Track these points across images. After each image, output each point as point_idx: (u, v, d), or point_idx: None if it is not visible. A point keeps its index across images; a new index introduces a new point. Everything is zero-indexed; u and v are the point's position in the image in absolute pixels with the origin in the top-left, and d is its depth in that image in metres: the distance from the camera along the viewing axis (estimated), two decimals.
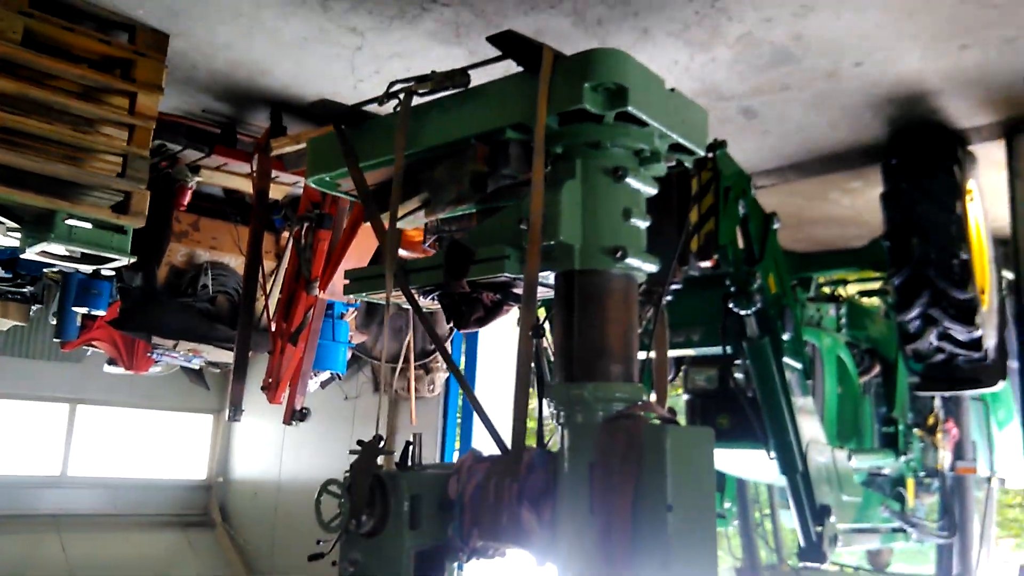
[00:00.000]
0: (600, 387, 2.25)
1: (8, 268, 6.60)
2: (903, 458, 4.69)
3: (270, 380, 8.22)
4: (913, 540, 4.71)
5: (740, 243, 3.39)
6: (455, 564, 2.50)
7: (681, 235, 2.60)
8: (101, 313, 6.87)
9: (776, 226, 3.55)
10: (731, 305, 3.30)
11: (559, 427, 2.30)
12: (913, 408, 4.88)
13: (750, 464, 3.77)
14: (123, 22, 3.97)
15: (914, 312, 3.92)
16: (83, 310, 6.84)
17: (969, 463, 4.84)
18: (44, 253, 4.17)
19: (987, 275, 4.34)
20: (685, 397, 4.10)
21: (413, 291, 2.56)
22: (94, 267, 4.57)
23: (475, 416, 4.96)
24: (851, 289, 5.05)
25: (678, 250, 2.53)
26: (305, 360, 7.00)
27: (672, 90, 2.40)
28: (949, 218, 3.93)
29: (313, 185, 2.82)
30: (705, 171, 3.05)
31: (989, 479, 5.19)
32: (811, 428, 3.61)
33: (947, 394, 4.61)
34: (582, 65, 2.23)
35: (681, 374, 4.18)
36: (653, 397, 2.58)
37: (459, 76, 2.44)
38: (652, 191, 2.44)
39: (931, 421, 4.82)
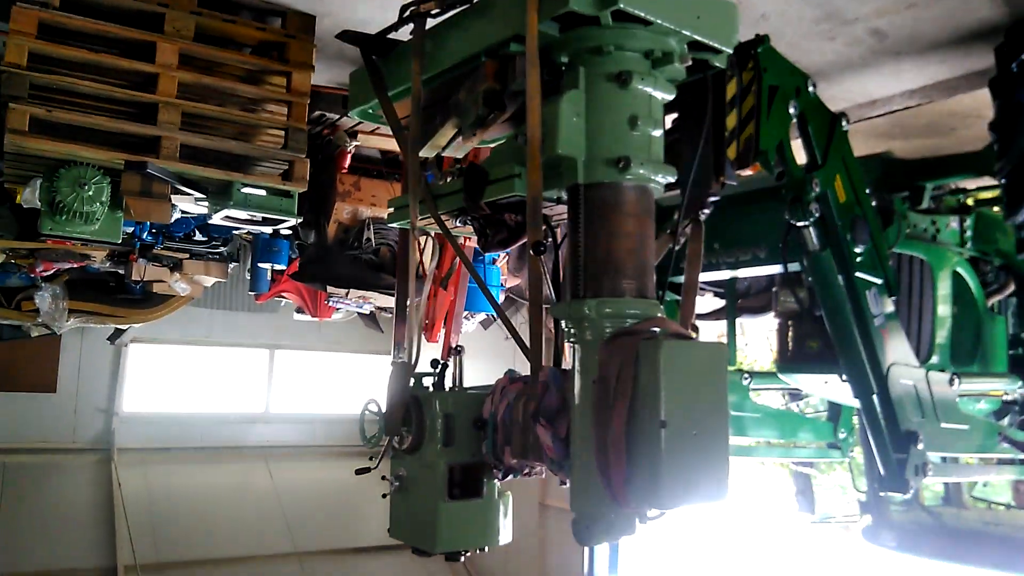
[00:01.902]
0: (606, 302, 2.10)
1: (203, 232, 7.17)
2: None
3: (426, 321, 8.60)
4: None
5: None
6: (494, 480, 2.49)
7: (716, 142, 2.36)
8: (282, 268, 7.41)
9: (845, 127, 3.16)
10: (787, 216, 2.98)
11: (571, 345, 2.20)
12: None
13: (845, 389, 3.43)
14: (275, 9, 4.27)
15: (1023, 214, 3.36)
16: (267, 266, 7.40)
17: None
18: (227, 218, 4.65)
19: None
20: (775, 320, 3.78)
21: (446, 217, 2.53)
22: (272, 227, 5.09)
23: None
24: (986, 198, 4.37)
25: (700, 159, 2.30)
26: (457, 303, 7.24)
27: None
28: None
29: (357, 116, 2.80)
30: (746, 71, 2.75)
31: None
32: (895, 349, 3.23)
33: None
34: None
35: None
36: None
37: None
38: (667, 95, 2.23)
39: None
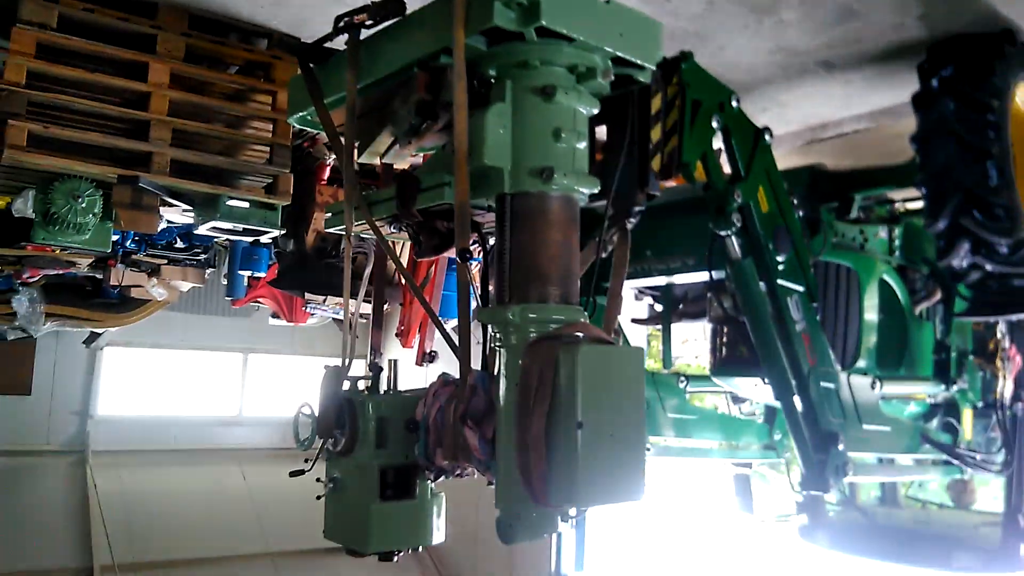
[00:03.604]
0: (530, 308, 2.09)
1: (184, 239, 7.13)
2: (954, 387, 4.14)
3: (402, 328, 8.56)
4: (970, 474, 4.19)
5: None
6: (426, 482, 2.46)
7: (640, 154, 2.35)
8: (262, 274, 7.38)
9: (768, 140, 3.17)
10: (711, 226, 2.99)
11: (497, 349, 2.18)
12: (976, 336, 4.29)
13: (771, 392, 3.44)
14: (262, 32, 4.31)
15: (942, 222, 3.39)
16: (247, 273, 7.37)
17: None
18: (213, 228, 4.69)
19: None
20: (708, 325, 3.78)
21: (380, 223, 2.50)
22: (253, 237, 5.25)
23: None
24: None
25: (624, 171, 2.29)
26: (433, 309, 7.21)
27: (608, 1, 2.17)
28: (982, 119, 3.35)
29: (295, 124, 2.77)
30: (671, 86, 2.75)
31: None
32: (816, 353, 3.23)
33: (992, 319, 4.01)
34: None
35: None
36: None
37: (394, 4, 2.30)
38: (591, 109, 2.22)
39: (991, 347, 4.22)
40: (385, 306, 6.90)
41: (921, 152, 3.53)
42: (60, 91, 3.82)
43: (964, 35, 3.56)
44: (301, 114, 2.69)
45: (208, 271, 7.67)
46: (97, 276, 7.26)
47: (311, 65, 2.57)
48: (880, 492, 4.78)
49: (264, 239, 5.76)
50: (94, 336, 8.59)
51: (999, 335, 4.25)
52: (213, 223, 4.54)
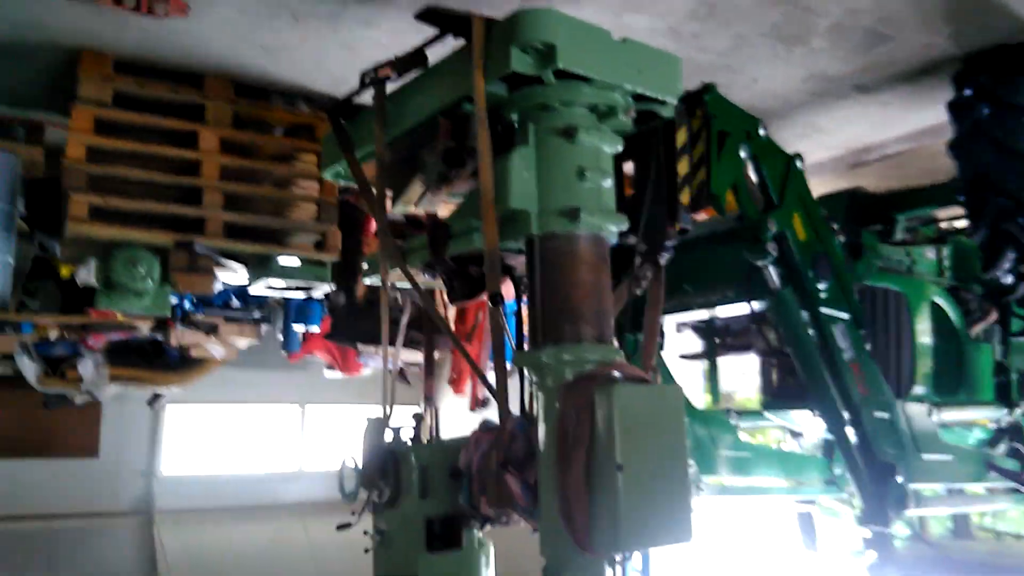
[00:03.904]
0: (564, 349, 2.06)
1: (240, 299, 7.29)
2: (1018, 411, 3.93)
3: (454, 375, 8.55)
4: None
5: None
6: (472, 530, 2.42)
7: (669, 188, 2.32)
8: (316, 328, 7.48)
9: (800, 166, 3.09)
10: (747, 256, 2.91)
11: (535, 393, 2.14)
12: None
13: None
14: (304, 94, 4.41)
15: (983, 230, 3.27)
16: (301, 327, 7.49)
17: None
18: (267, 287, 4.77)
19: None
20: (756, 358, 3.67)
21: (414, 270, 2.51)
22: (306, 294, 5.28)
23: None
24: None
25: (653, 206, 2.26)
26: (482, 355, 7.19)
27: (624, 40, 2.16)
28: (1019, 122, 3.25)
29: (329, 178, 2.81)
30: (695, 119, 2.71)
31: None
32: (867, 382, 3.10)
33: None
34: (509, 27, 2.04)
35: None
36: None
37: (416, 57, 2.33)
38: (614, 147, 2.21)
39: None
40: (436, 354, 6.94)
41: (958, 159, 3.44)
42: (117, 164, 3.95)
43: (999, 46, 3.47)
44: (335, 168, 2.73)
45: (264, 327, 7.79)
46: (158, 338, 7.42)
47: (342, 121, 2.61)
48: (952, 524, 4.55)
49: (316, 294, 5.87)
50: (157, 396, 8.76)
51: None
52: (266, 280, 4.62)
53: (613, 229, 2.17)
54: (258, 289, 4.87)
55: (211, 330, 7.46)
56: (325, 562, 9.79)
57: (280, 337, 8.00)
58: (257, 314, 7.70)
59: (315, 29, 3.57)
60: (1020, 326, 3.91)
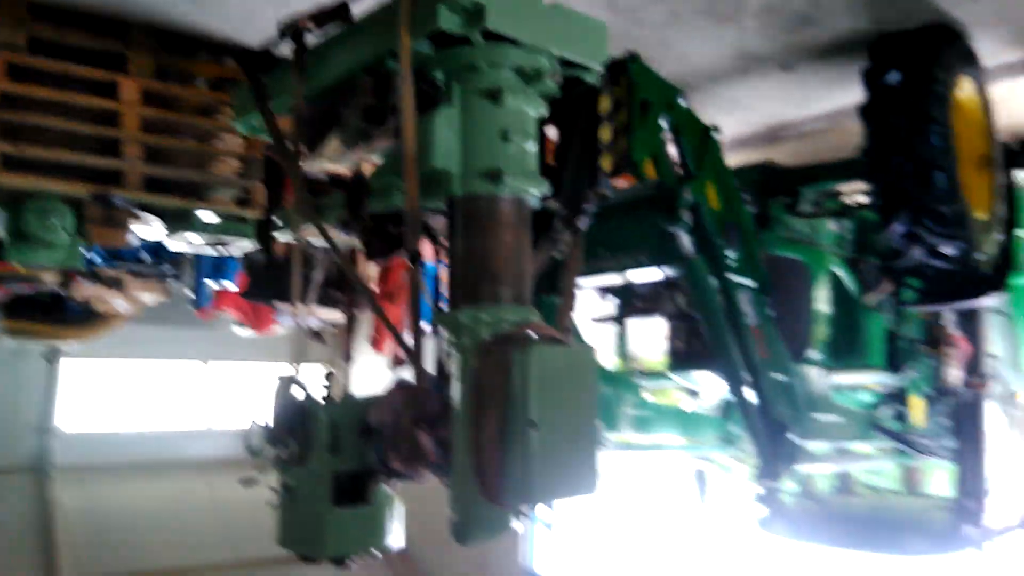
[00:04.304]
0: (482, 310, 2.07)
1: (152, 254, 7.03)
2: (905, 376, 4.20)
3: (375, 334, 8.52)
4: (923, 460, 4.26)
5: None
6: (382, 485, 2.43)
7: (590, 154, 2.34)
8: (230, 284, 7.26)
9: (716, 137, 3.18)
10: (662, 223, 3.00)
11: (452, 352, 2.15)
12: (926, 325, 4.35)
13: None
14: (231, 47, 4.29)
15: (895, 232, 3.44)
16: (213, 284, 7.26)
17: (978, 378, 4.28)
18: (185, 242, 4.68)
19: (986, 182, 3.80)
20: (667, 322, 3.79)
21: (330, 228, 2.46)
22: (227, 251, 5.11)
23: None
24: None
25: (574, 171, 2.28)
26: (403, 316, 7.16)
27: (554, 5, 2.16)
28: (930, 127, 3.40)
29: (242, 130, 2.72)
30: (619, 87, 2.75)
31: (1013, 396, 4.58)
32: (767, 346, 3.25)
33: (938, 308, 4.06)
34: None
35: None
36: None
37: (339, 10, 2.27)
38: (538, 111, 2.21)
39: (938, 335, 4.28)
40: (357, 312, 6.86)
41: (868, 124, 3.55)
42: (31, 111, 3.82)
43: (903, 33, 3.61)
44: (248, 121, 2.64)
45: (173, 282, 7.54)
46: (58, 291, 7.09)
47: (260, 74, 2.53)
48: (837, 481, 4.83)
49: (235, 251, 5.72)
50: (55, 350, 8.41)
51: (945, 324, 4.30)
52: (185, 236, 4.53)
53: (535, 193, 2.18)
54: (176, 244, 4.74)
55: (116, 284, 7.18)
56: (230, 519, 9.67)
57: (189, 293, 7.76)
58: (168, 269, 7.46)
59: None
60: (911, 296, 4.13)
